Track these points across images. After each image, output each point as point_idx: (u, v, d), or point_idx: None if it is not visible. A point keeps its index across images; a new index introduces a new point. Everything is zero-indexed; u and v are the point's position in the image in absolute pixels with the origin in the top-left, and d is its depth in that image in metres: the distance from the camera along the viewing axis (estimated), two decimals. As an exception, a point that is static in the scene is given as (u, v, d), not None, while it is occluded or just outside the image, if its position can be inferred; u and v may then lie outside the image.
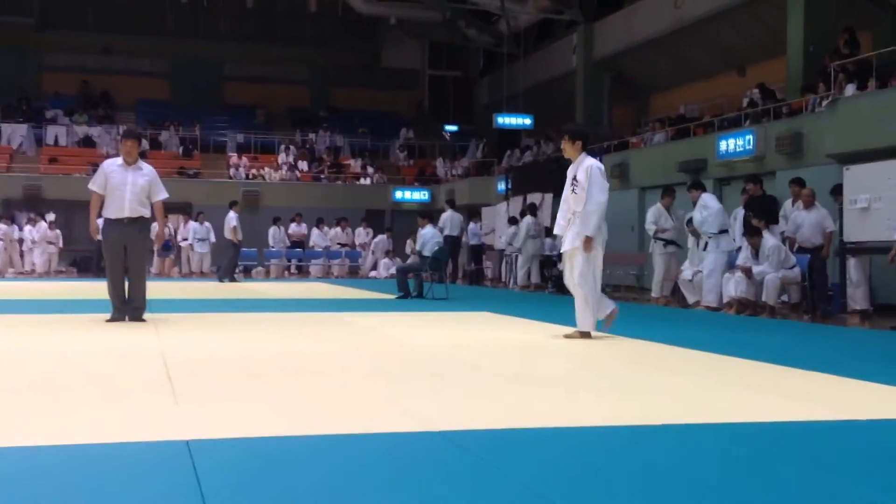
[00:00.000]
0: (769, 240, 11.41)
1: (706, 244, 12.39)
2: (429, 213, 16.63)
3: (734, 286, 11.53)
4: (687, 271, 12.82)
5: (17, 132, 29.80)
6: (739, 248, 12.04)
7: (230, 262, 20.70)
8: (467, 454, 3.31)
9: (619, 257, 16.66)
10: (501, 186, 23.88)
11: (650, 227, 13.92)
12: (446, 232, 18.58)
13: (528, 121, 26.98)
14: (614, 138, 22.46)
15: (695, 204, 12.68)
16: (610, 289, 16.62)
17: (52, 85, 33.21)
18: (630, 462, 3.26)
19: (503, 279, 20.60)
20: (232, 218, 20.34)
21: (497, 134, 30.38)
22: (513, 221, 19.43)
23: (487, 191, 26.00)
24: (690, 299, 12.79)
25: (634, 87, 26.35)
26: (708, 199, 12.61)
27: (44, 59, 33.66)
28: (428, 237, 14.73)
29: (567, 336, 7.77)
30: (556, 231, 8.14)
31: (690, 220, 12.82)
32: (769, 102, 17.42)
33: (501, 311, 11.26)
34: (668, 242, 13.81)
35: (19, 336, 7.52)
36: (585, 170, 7.72)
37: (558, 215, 8.04)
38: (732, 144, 16.42)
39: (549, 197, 20.96)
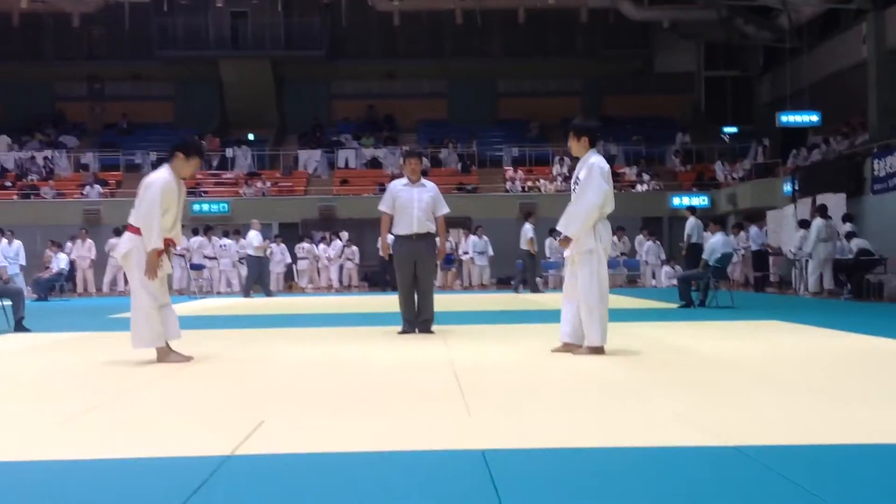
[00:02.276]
0: None
1: None
2: (721, 220, 16.03)
3: None
4: None
5: (312, 157, 32.24)
6: None
7: (530, 273, 21.11)
8: (768, 471, 3.15)
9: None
10: (787, 188, 22.70)
11: None
12: (693, 239, 18.10)
13: (815, 117, 25.48)
14: (915, 131, 20.71)
15: None
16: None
17: (341, 111, 35.56)
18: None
19: (793, 285, 19.56)
20: (528, 229, 20.72)
21: (780, 133, 28.96)
22: (803, 224, 18.40)
23: (772, 193, 24.80)
24: None
25: (936, 73, 24.15)
26: None
27: (333, 88, 36.11)
28: (718, 245, 14.08)
29: (559, 351, 7.05)
30: (559, 227, 7.53)
31: None
32: None
33: (792, 319, 10.64)
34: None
35: (323, 347, 8.04)
36: (587, 168, 7.12)
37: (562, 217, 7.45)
38: None
39: (841, 197, 19.65)
